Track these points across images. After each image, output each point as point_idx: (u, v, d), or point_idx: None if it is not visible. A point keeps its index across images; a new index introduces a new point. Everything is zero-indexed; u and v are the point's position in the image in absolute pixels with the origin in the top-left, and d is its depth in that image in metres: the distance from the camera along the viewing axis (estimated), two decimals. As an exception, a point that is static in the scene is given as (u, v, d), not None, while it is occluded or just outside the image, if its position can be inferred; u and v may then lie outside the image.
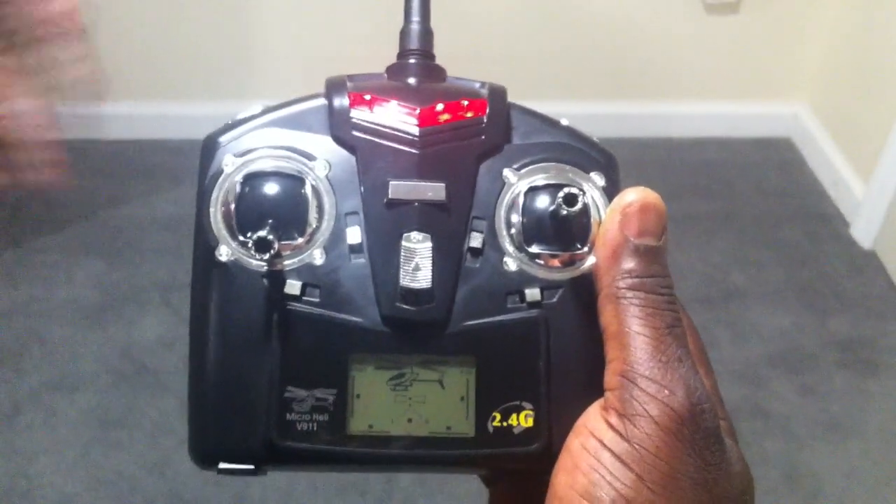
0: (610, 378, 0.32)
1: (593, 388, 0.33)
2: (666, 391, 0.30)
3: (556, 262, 0.37)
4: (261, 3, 2.44)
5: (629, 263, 0.33)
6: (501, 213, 0.37)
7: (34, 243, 2.20)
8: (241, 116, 0.38)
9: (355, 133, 0.37)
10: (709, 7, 2.50)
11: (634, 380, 0.31)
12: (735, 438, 0.34)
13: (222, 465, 0.36)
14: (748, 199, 2.51)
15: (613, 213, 0.35)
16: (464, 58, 2.33)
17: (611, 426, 0.31)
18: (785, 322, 2.11)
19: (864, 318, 2.13)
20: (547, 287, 0.37)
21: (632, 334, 0.32)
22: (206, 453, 0.36)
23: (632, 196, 0.34)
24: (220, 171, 0.37)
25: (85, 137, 2.54)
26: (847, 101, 2.52)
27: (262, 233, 0.34)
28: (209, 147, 0.38)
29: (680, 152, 2.65)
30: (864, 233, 2.34)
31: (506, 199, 0.37)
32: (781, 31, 2.58)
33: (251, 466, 0.36)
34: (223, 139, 0.38)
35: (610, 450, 0.30)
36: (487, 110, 0.38)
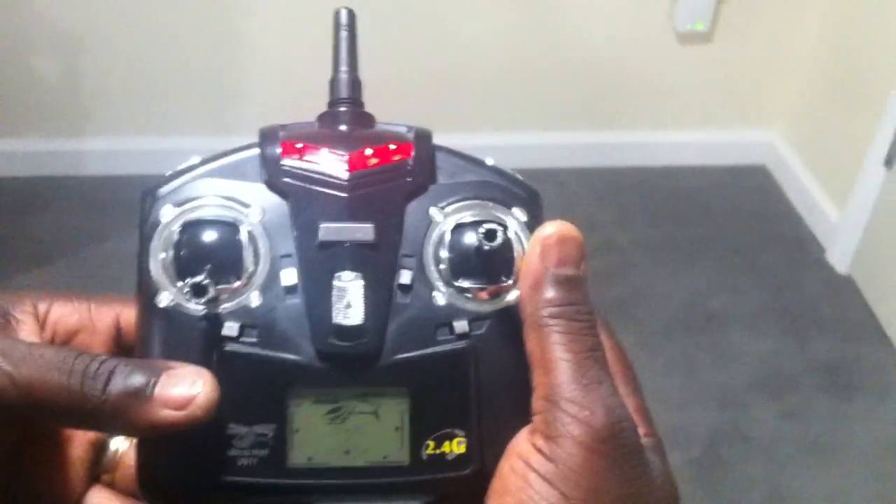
0: (535, 402, 0.33)
1: (521, 413, 0.35)
2: (586, 412, 0.31)
3: (483, 295, 0.38)
4: (243, 39, 2.46)
5: (550, 293, 0.35)
6: (429, 249, 0.38)
7: (15, 280, 2.19)
8: (178, 168, 0.39)
9: (286, 180, 0.38)
10: (681, 37, 2.54)
11: (557, 402, 0.32)
12: (663, 456, 0.35)
13: (170, 501, 0.37)
14: (726, 226, 2.53)
15: (534, 245, 0.36)
16: (441, 88, 2.36)
17: (536, 448, 0.32)
18: (764, 346, 2.13)
19: (841, 341, 2.16)
20: (475, 319, 0.38)
21: (554, 360, 0.33)
22: (154, 488, 0.37)
23: (550, 229, 0.36)
24: (158, 222, 0.38)
25: (65, 174, 2.56)
26: (820, 128, 2.55)
27: (198, 278, 0.35)
28: (148, 198, 0.39)
29: (657, 180, 2.67)
30: (839, 258, 2.37)
31: (433, 236, 0.39)
32: (754, 60, 2.62)
33: (195, 500, 0.37)
34: (161, 191, 0.39)
35: (536, 471, 0.32)
36: (413, 153, 0.39)
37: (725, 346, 2.12)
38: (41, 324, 0.38)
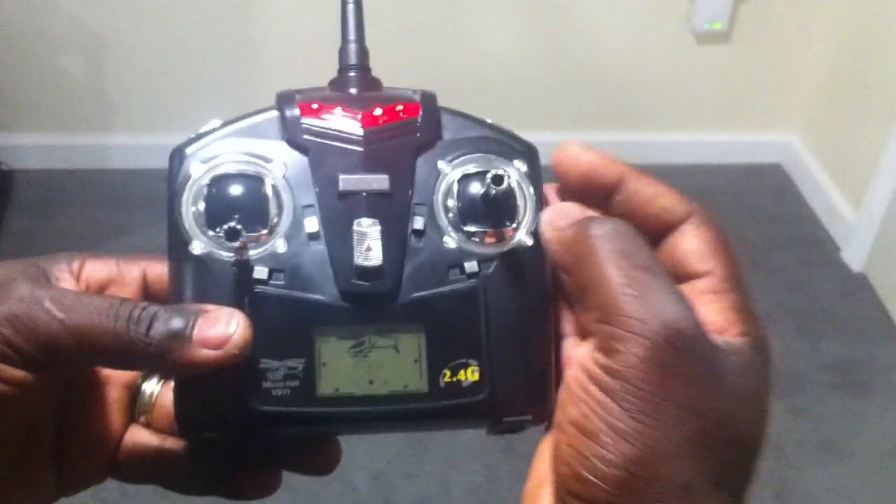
0: (592, 324, 0.35)
1: (527, 343, 0.38)
2: (639, 323, 0.32)
3: (489, 239, 0.41)
4: (262, 36, 2.50)
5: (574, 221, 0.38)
6: (439, 198, 0.42)
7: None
8: (202, 130, 0.43)
9: (306, 137, 0.41)
10: (700, 37, 2.55)
11: (610, 320, 0.33)
12: (758, 353, 0.36)
13: (207, 434, 0.41)
14: (741, 225, 2.55)
15: (548, 190, 0.41)
16: (462, 90, 2.38)
17: (598, 364, 0.33)
18: (778, 344, 2.09)
19: (855, 340, 2.17)
20: (483, 260, 0.41)
21: (600, 278, 0.34)
22: (192, 422, 0.40)
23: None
24: (189, 176, 0.41)
25: (91, 167, 2.60)
26: (837, 128, 2.57)
27: (231, 223, 0.38)
28: (177, 156, 0.42)
29: (674, 179, 2.58)
30: (855, 257, 2.38)
31: (442, 186, 0.42)
32: (772, 60, 2.63)
33: (233, 433, 0.40)
34: (189, 149, 0.42)
35: (598, 383, 0.33)
36: (421, 112, 0.43)
37: (739, 344, 2.13)
38: (76, 279, 0.40)
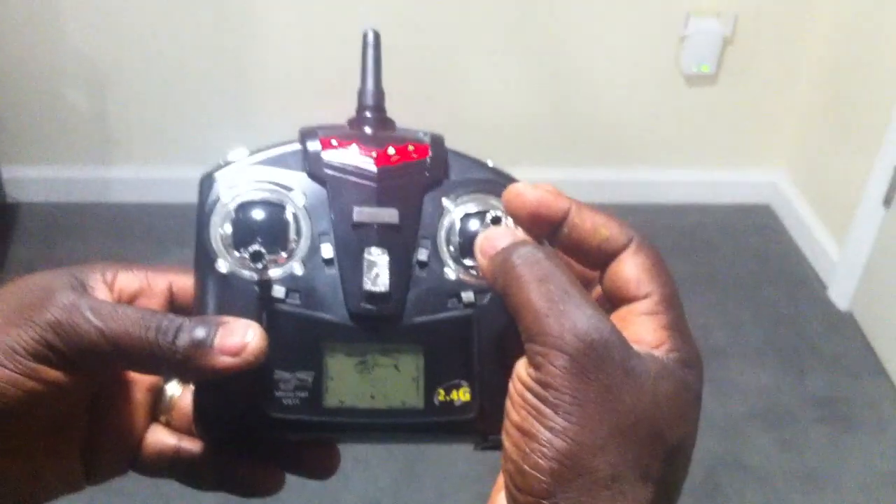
0: (524, 343, 0.39)
1: (514, 366, 0.41)
2: (557, 339, 0.37)
3: None
4: (262, 73, 2.55)
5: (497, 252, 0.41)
6: (442, 233, 0.46)
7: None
8: (230, 158, 0.47)
9: (326, 170, 0.45)
10: (688, 79, 2.62)
11: (533, 339, 0.38)
12: (687, 366, 0.39)
13: (222, 435, 0.45)
14: (729, 262, 2.60)
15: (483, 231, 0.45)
16: (459, 129, 2.43)
17: (529, 375, 0.38)
18: (764, 380, 2.18)
19: (840, 376, 2.21)
20: (478, 291, 0.45)
21: (521, 304, 0.38)
22: (209, 425, 0.44)
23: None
24: (218, 200, 0.45)
25: (92, 201, 2.63)
26: (822, 168, 2.62)
27: (255, 247, 0.43)
28: (206, 181, 0.45)
29: (663, 217, 2.74)
30: (840, 295, 2.43)
31: (445, 222, 0.46)
32: (758, 101, 2.69)
33: (246, 436, 0.44)
34: (218, 175, 0.46)
35: (532, 391, 0.37)
36: (430, 153, 0.47)
37: (727, 379, 2.17)
38: (109, 289, 0.44)
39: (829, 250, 2.51)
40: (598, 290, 0.44)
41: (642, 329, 0.40)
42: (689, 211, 2.78)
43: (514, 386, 0.39)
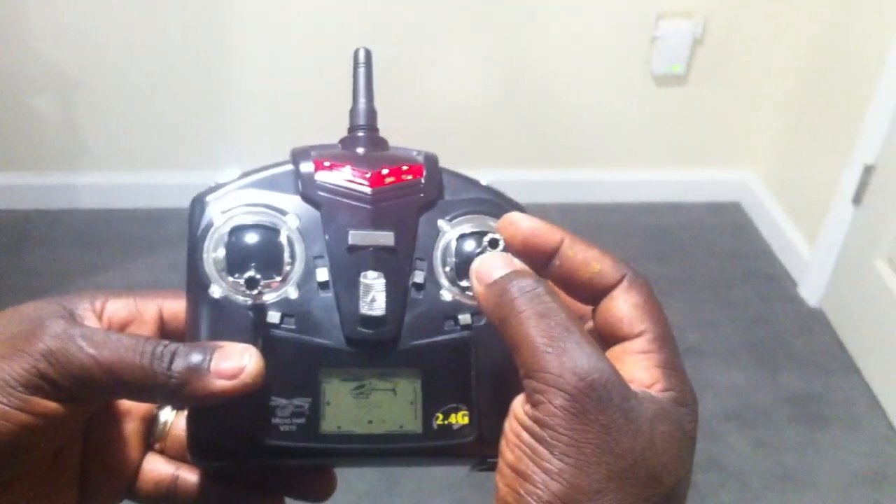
0: (522, 379, 0.39)
1: (512, 390, 0.40)
2: (556, 377, 0.36)
3: None
4: (231, 78, 2.53)
5: (496, 285, 0.41)
6: (438, 255, 0.45)
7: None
8: (221, 181, 0.46)
9: (320, 192, 0.45)
10: (658, 79, 2.63)
11: (532, 375, 0.37)
12: (683, 405, 0.39)
13: (218, 464, 0.44)
14: (701, 262, 2.61)
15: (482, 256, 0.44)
16: (425, 131, 2.43)
17: (526, 414, 0.37)
18: (738, 379, 2.20)
19: (813, 373, 2.23)
20: (475, 313, 0.44)
21: (520, 339, 0.38)
22: (204, 453, 0.43)
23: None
24: (211, 224, 0.44)
25: (60, 207, 2.61)
26: (793, 167, 2.64)
27: (250, 273, 0.42)
28: (198, 204, 0.44)
29: (634, 217, 2.75)
30: (811, 292, 2.45)
31: (441, 244, 0.46)
32: (729, 101, 2.71)
33: (242, 464, 0.44)
34: (209, 198, 0.44)
35: (529, 430, 0.37)
36: (424, 173, 0.46)
37: (701, 378, 2.18)
38: (98, 317, 0.43)
39: (799, 248, 2.53)
40: (590, 324, 0.43)
41: (636, 368, 0.40)
42: (660, 210, 2.79)
43: (510, 424, 0.38)
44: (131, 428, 0.46)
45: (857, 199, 2.25)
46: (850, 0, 2.33)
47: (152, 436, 0.47)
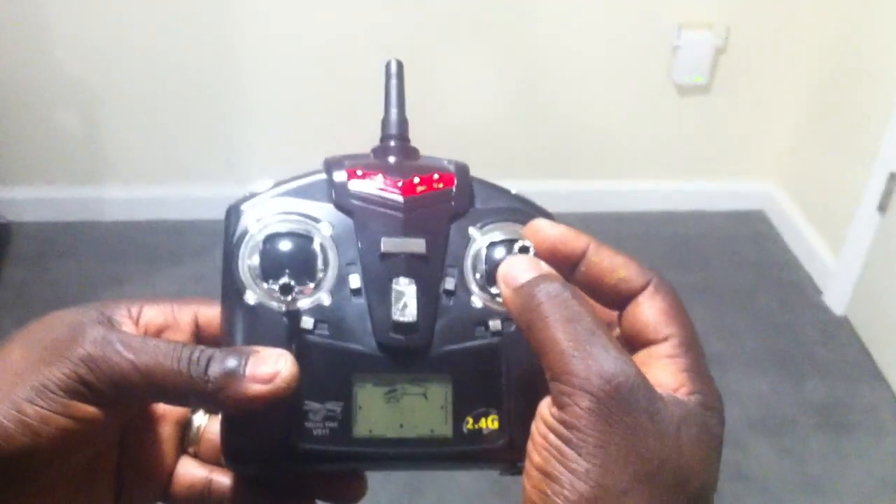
0: (548, 381, 0.39)
1: (542, 395, 0.41)
2: (583, 380, 0.37)
3: None
4: (254, 90, 2.56)
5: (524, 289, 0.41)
6: (468, 262, 0.46)
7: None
8: (256, 190, 0.47)
9: (352, 201, 0.45)
10: (680, 89, 2.63)
11: (559, 378, 0.37)
12: (710, 410, 0.39)
13: (251, 467, 0.44)
14: (724, 270, 2.60)
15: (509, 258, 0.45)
16: (447, 144, 2.44)
17: (553, 416, 0.38)
18: (762, 387, 2.18)
19: (838, 381, 2.21)
20: (505, 319, 0.45)
21: (547, 342, 0.38)
22: (239, 456, 0.44)
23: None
24: (246, 232, 0.45)
25: (85, 220, 2.64)
26: (816, 176, 2.63)
27: (284, 279, 0.43)
28: (233, 213, 0.45)
29: (657, 226, 2.75)
30: (836, 300, 2.43)
31: (472, 251, 0.46)
32: (751, 110, 2.70)
33: (276, 468, 0.44)
34: (244, 207, 0.45)
35: (555, 431, 0.37)
36: (455, 182, 0.47)
37: (724, 387, 2.12)
38: (135, 324, 0.44)
39: (823, 256, 2.51)
40: (617, 331, 0.43)
41: (662, 372, 0.40)
42: (683, 219, 2.78)
43: (537, 427, 0.39)
44: (166, 432, 0.47)
45: (883, 207, 2.24)
46: (870, 7, 2.32)
47: (186, 440, 0.48)
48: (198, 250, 2.48)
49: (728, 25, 2.52)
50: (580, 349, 0.37)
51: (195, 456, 0.48)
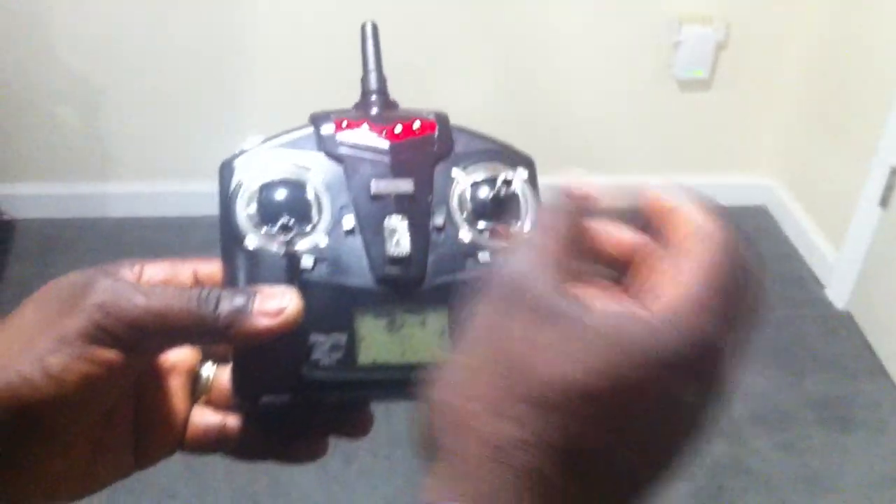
0: None
1: None
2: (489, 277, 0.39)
3: (497, 234, 0.49)
4: (256, 87, 2.56)
5: None
6: (454, 200, 0.49)
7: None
8: (245, 147, 0.50)
9: (341, 149, 0.48)
10: (681, 84, 2.63)
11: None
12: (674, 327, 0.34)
13: (265, 399, 0.46)
14: (726, 265, 2.59)
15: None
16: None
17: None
18: (764, 382, 2.19)
19: (839, 376, 2.22)
20: (493, 251, 0.48)
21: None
22: (250, 390, 0.46)
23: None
24: (241, 184, 0.47)
25: (87, 216, 2.65)
26: (817, 171, 2.63)
27: (283, 220, 0.45)
28: (226, 168, 0.48)
29: (659, 221, 2.73)
30: (838, 295, 2.44)
31: (457, 190, 0.49)
32: (751, 105, 2.70)
33: (287, 397, 0.46)
34: (237, 162, 0.48)
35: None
36: (437, 128, 0.50)
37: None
38: (137, 280, 0.45)
39: (824, 251, 2.52)
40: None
41: (663, 281, 0.37)
42: (684, 214, 2.77)
43: None
44: (177, 383, 0.49)
45: (884, 202, 2.24)
46: (870, 2, 2.33)
47: (196, 391, 0.49)
48: (201, 246, 2.47)
49: (729, 20, 2.52)
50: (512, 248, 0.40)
51: (206, 404, 0.49)
